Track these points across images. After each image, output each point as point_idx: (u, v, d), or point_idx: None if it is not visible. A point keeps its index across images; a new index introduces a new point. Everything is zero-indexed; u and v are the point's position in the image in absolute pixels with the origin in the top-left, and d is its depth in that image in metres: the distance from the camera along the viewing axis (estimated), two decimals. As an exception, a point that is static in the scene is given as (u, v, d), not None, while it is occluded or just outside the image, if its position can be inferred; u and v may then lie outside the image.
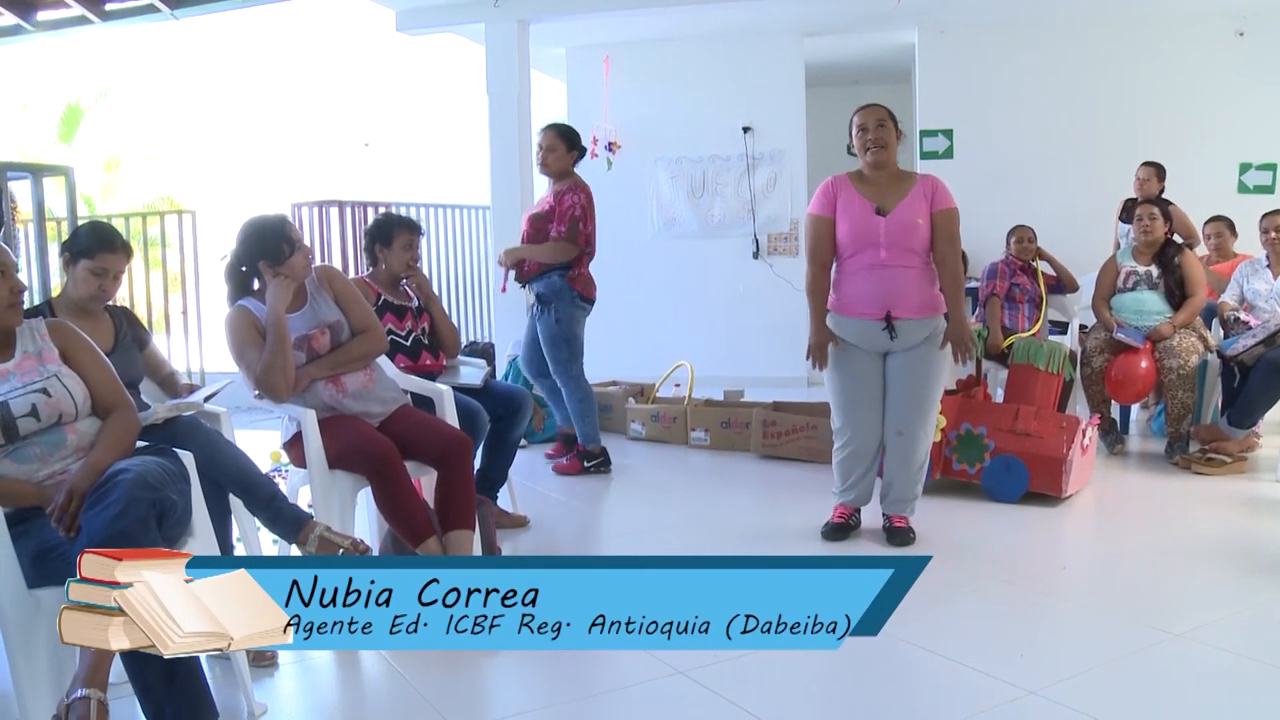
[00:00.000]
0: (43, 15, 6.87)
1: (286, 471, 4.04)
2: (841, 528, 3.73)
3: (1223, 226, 5.78)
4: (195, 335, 7.01)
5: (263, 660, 2.67)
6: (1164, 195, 5.84)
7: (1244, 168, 7.12)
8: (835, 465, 3.76)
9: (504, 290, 5.19)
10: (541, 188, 5.11)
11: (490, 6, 6.71)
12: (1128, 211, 6.04)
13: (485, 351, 6.73)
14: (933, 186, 3.56)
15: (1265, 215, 5.10)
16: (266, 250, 3.10)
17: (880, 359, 3.62)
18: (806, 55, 7.78)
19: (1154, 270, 5.08)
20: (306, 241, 3.39)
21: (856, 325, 3.58)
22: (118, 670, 2.04)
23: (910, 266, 3.51)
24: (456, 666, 2.64)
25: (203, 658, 2.13)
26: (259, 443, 4.63)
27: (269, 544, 3.28)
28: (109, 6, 6.84)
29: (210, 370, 6.75)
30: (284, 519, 2.69)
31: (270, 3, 7.42)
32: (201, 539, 2.42)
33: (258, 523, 2.84)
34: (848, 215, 3.55)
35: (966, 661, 2.60)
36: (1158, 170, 5.95)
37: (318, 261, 3.43)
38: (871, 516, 3.82)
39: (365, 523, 3.53)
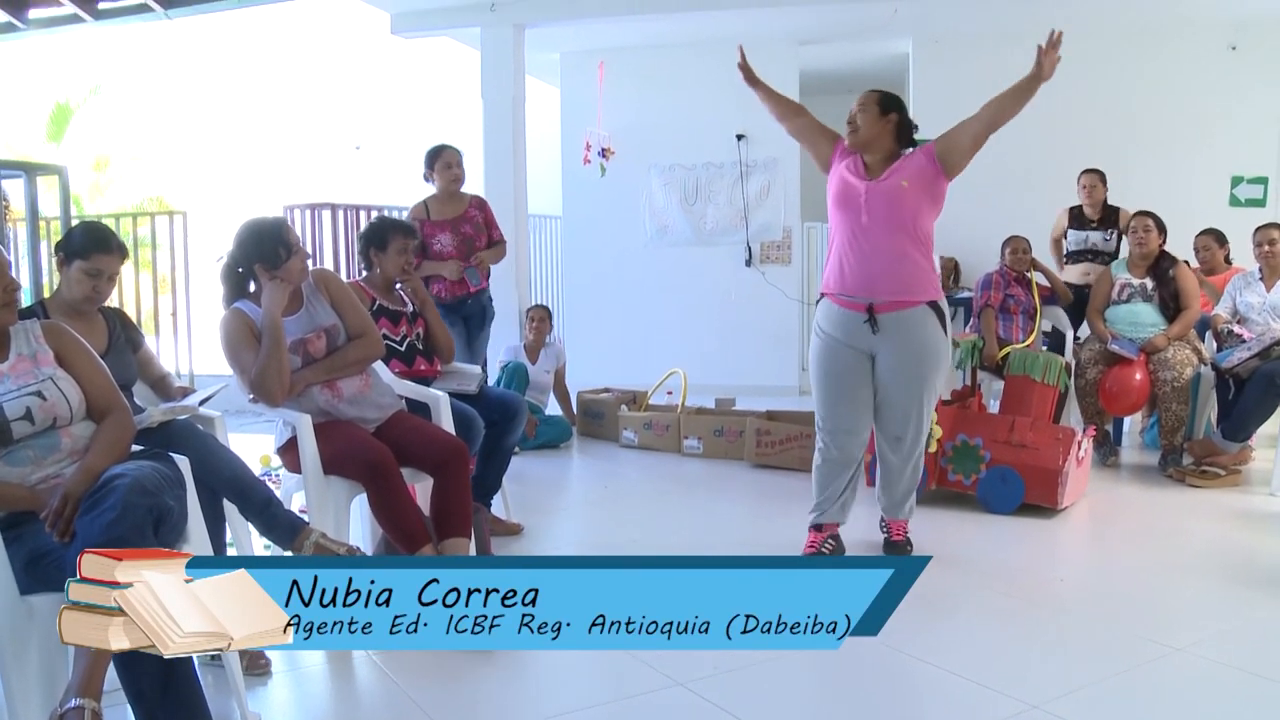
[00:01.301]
0: (35, 13, 6.81)
1: (278, 476, 4.00)
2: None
3: (1211, 240, 5.79)
4: (185, 337, 6.95)
5: (256, 668, 2.65)
6: (1108, 201, 5.86)
7: (1236, 181, 7.16)
8: (814, 471, 3.57)
9: (485, 285, 5.01)
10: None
11: (486, 10, 6.71)
12: (1076, 219, 6.01)
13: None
14: (923, 149, 3.44)
15: (1259, 228, 5.11)
16: (264, 253, 3.06)
17: (868, 360, 3.45)
18: (801, 63, 7.76)
19: (1149, 283, 5.10)
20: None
21: (841, 317, 3.43)
22: (111, 678, 2.01)
23: (893, 238, 3.34)
24: (450, 674, 2.61)
25: (197, 665, 2.10)
26: (251, 447, 4.59)
27: (262, 550, 3.25)
28: (101, 5, 6.79)
29: (200, 373, 6.69)
30: (279, 525, 2.67)
31: (264, 3, 7.39)
32: (197, 545, 2.39)
33: (251, 528, 2.81)
34: (838, 172, 3.47)
35: (968, 675, 2.58)
36: (1100, 176, 5.94)
37: (311, 265, 3.40)
38: (867, 528, 3.80)
39: (360, 529, 3.50)
